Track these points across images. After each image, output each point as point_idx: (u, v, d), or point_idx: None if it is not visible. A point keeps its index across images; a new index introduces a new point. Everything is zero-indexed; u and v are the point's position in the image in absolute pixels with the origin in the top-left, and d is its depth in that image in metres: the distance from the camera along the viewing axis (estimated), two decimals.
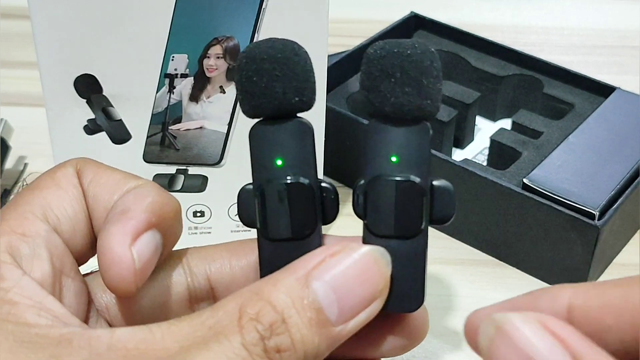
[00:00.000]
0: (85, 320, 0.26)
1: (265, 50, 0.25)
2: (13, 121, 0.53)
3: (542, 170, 0.47)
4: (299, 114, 0.25)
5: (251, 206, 0.26)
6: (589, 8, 0.77)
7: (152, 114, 0.42)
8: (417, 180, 0.25)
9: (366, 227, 0.26)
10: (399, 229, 0.25)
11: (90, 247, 0.27)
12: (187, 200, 0.45)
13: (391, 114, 0.24)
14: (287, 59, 0.25)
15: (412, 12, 0.61)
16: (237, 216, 0.26)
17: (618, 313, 0.22)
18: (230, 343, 0.22)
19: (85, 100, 0.41)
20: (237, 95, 0.25)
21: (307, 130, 0.25)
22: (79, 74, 0.41)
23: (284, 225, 0.25)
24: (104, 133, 0.43)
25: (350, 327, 0.24)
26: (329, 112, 0.44)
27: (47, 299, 0.23)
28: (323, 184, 0.26)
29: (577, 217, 0.45)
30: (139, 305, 0.27)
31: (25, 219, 0.25)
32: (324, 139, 0.44)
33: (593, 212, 0.44)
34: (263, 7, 0.40)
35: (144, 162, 0.44)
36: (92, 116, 0.42)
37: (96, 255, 0.25)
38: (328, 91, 0.43)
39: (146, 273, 0.25)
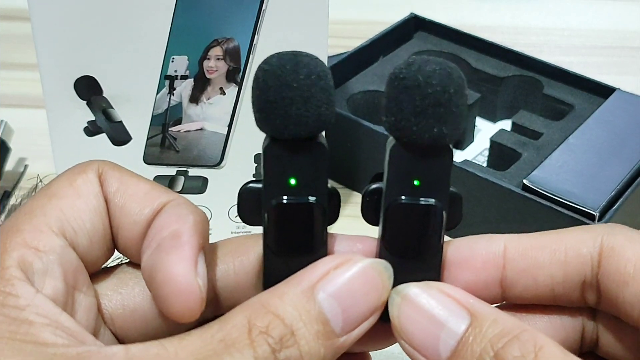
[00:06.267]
0: (95, 333, 0.25)
1: (289, 72, 0.23)
2: (13, 123, 0.53)
3: (542, 171, 0.47)
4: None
5: (255, 207, 0.25)
6: (589, 9, 0.77)
7: (152, 116, 0.42)
8: (438, 204, 0.25)
9: (382, 245, 0.26)
10: (418, 251, 0.26)
11: (105, 257, 0.27)
12: None
13: (414, 142, 0.24)
14: (314, 85, 0.24)
15: (412, 13, 0.61)
16: (238, 216, 0.26)
17: (552, 251, 0.26)
18: (243, 356, 0.22)
19: (85, 102, 0.41)
20: (254, 112, 0.24)
21: (324, 151, 0.25)
22: (79, 76, 0.41)
23: (295, 242, 0.25)
24: (104, 135, 0.43)
25: (353, 337, 0.24)
26: None
27: (62, 317, 0.23)
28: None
29: (577, 218, 0.44)
30: (146, 316, 0.26)
31: (40, 232, 0.24)
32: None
33: (593, 213, 0.44)
34: (263, 8, 0.40)
35: (145, 164, 0.43)
36: (93, 118, 0.42)
37: (147, 281, 0.25)
38: None
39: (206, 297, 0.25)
